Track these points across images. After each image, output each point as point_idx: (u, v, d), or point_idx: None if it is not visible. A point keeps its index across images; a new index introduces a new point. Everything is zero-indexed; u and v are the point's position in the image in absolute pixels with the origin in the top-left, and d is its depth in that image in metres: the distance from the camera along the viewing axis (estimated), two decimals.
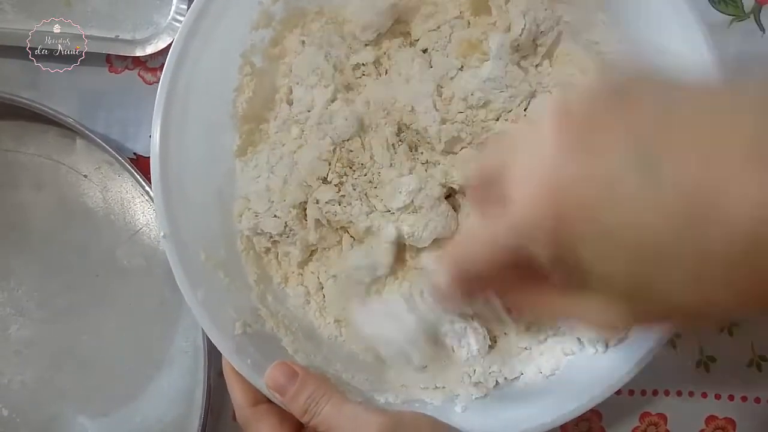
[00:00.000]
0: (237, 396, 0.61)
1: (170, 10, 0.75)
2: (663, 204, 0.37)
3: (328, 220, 0.66)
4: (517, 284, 0.49)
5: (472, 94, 0.66)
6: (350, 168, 0.66)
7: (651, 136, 0.38)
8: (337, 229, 0.67)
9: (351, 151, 0.66)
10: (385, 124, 0.66)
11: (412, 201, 0.65)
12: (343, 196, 0.66)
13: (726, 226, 0.35)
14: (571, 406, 0.61)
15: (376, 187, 0.66)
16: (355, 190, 0.66)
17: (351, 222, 0.66)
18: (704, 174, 0.36)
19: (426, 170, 0.67)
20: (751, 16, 0.76)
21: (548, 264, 0.43)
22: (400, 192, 0.65)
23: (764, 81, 0.40)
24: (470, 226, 0.54)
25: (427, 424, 0.59)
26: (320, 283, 0.68)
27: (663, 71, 0.42)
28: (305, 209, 0.66)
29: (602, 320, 0.45)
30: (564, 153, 0.40)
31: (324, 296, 0.68)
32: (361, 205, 0.65)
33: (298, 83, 0.67)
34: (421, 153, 0.68)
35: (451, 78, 0.67)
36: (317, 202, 0.65)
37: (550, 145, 0.41)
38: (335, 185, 0.66)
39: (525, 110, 0.67)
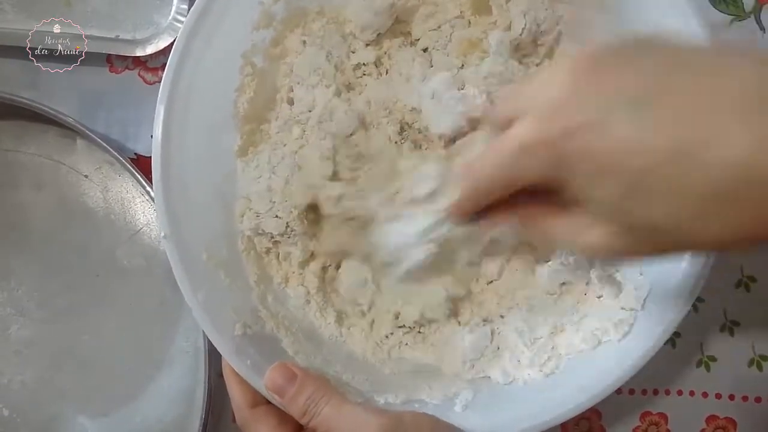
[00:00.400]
0: (236, 397, 0.60)
1: (171, 10, 0.75)
2: (649, 142, 0.41)
3: (348, 218, 0.66)
4: (523, 207, 0.53)
5: None
6: (359, 161, 0.66)
7: (647, 84, 0.42)
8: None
9: (356, 145, 0.66)
10: (387, 123, 0.67)
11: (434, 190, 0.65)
12: (360, 190, 0.65)
13: (713, 166, 0.39)
14: (570, 405, 0.61)
15: (390, 179, 0.66)
16: (369, 182, 0.66)
17: (371, 217, 0.66)
18: (694, 118, 0.40)
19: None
20: (752, 15, 0.76)
21: (546, 185, 0.48)
22: (422, 180, 0.65)
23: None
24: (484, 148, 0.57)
25: (428, 423, 0.59)
26: (324, 278, 0.69)
27: (672, 38, 0.46)
28: (308, 210, 0.66)
29: (597, 243, 0.48)
30: (569, 89, 0.45)
31: (325, 295, 0.68)
32: (379, 197, 0.65)
33: (299, 83, 0.67)
34: (425, 149, 0.68)
35: (453, 76, 0.67)
36: (329, 199, 0.65)
37: (559, 81, 0.46)
38: (347, 180, 0.66)
39: None
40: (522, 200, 0.52)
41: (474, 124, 0.65)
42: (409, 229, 0.63)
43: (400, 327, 0.68)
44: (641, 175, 0.42)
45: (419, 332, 0.69)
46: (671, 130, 0.40)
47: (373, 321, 0.69)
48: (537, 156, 0.46)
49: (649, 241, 0.46)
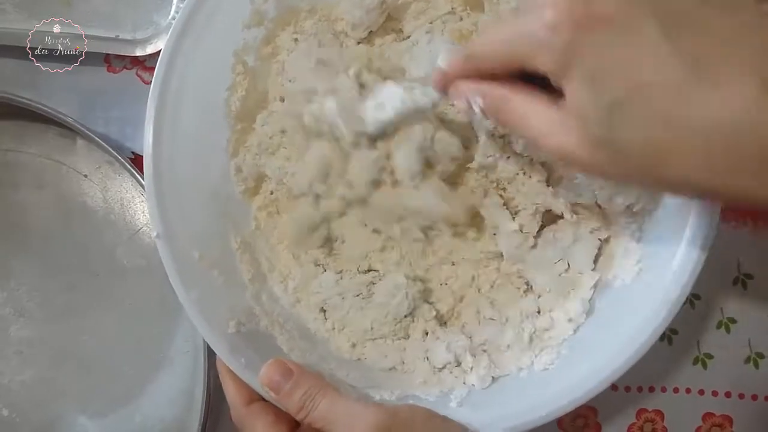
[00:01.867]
0: (231, 395, 0.61)
1: (170, 10, 0.75)
2: (667, 61, 0.41)
3: None
4: (509, 88, 0.50)
5: None
6: None
7: (685, 6, 0.42)
8: None
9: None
10: None
11: None
12: None
13: (716, 107, 0.40)
14: (565, 400, 0.61)
15: None
16: None
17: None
18: (715, 56, 0.41)
19: None
20: None
21: (547, 72, 0.46)
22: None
23: None
24: (495, 23, 0.56)
25: (423, 416, 0.59)
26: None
27: None
28: None
29: (565, 147, 0.47)
30: None
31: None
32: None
33: (290, 81, 0.67)
34: None
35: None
36: None
37: None
38: None
39: None
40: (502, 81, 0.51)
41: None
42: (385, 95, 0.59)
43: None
44: (641, 90, 0.42)
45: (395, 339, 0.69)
46: (690, 60, 0.40)
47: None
48: (556, 37, 0.44)
49: (618, 163, 0.45)
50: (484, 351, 0.67)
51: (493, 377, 0.65)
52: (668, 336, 0.75)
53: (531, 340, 0.66)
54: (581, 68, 0.44)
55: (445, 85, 0.55)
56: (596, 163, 0.46)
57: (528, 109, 0.49)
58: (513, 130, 0.59)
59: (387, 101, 0.58)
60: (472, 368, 0.65)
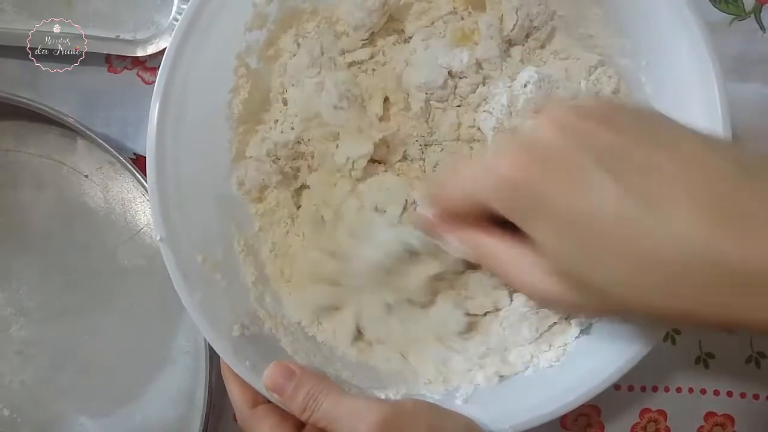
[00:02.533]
0: (236, 398, 0.61)
1: (171, 11, 0.75)
2: (631, 204, 0.43)
3: None
4: (481, 230, 0.55)
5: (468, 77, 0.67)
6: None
7: (624, 146, 0.45)
8: None
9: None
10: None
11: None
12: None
13: (665, 239, 0.42)
14: (569, 398, 0.61)
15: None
16: None
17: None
18: (658, 194, 0.43)
19: None
20: (752, 15, 0.76)
21: (503, 216, 0.49)
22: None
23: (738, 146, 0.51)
24: (451, 167, 0.61)
25: (428, 410, 0.59)
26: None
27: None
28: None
29: (550, 292, 0.50)
30: (556, 130, 0.47)
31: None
32: None
33: (293, 85, 0.67)
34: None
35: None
36: None
37: (546, 124, 0.47)
38: None
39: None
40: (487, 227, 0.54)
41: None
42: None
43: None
44: (601, 231, 0.44)
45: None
46: (643, 200, 0.43)
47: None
48: (504, 184, 0.48)
49: (591, 299, 0.48)
50: (495, 354, 0.67)
51: (499, 376, 0.65)
52: (671, 336, 0.76)
53: (537, 341, 0.66)
54: (538, 214, 0.47)
55: (431, 230, 0.59)
56: (571, 302, 0.49)
57: (499, 251, 0.53)
58: (490, 271, 0.61)
59: (382, 245, 0.64)
60: (480, 368, 0.66)
